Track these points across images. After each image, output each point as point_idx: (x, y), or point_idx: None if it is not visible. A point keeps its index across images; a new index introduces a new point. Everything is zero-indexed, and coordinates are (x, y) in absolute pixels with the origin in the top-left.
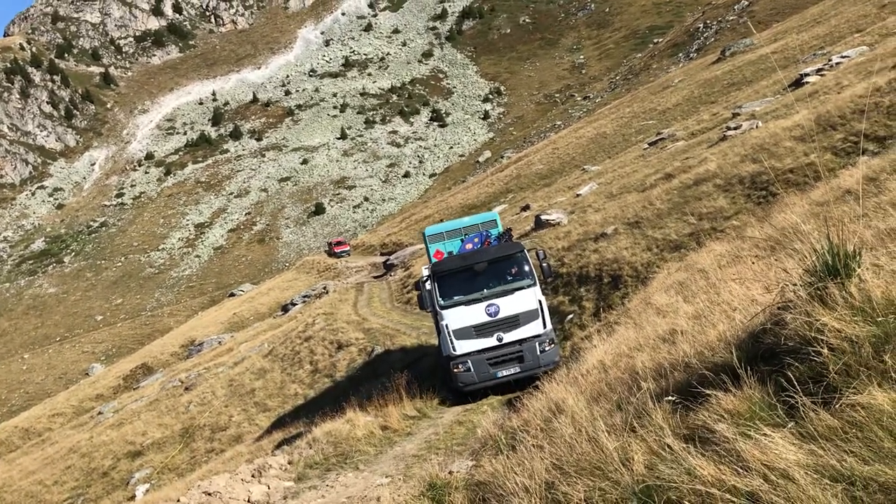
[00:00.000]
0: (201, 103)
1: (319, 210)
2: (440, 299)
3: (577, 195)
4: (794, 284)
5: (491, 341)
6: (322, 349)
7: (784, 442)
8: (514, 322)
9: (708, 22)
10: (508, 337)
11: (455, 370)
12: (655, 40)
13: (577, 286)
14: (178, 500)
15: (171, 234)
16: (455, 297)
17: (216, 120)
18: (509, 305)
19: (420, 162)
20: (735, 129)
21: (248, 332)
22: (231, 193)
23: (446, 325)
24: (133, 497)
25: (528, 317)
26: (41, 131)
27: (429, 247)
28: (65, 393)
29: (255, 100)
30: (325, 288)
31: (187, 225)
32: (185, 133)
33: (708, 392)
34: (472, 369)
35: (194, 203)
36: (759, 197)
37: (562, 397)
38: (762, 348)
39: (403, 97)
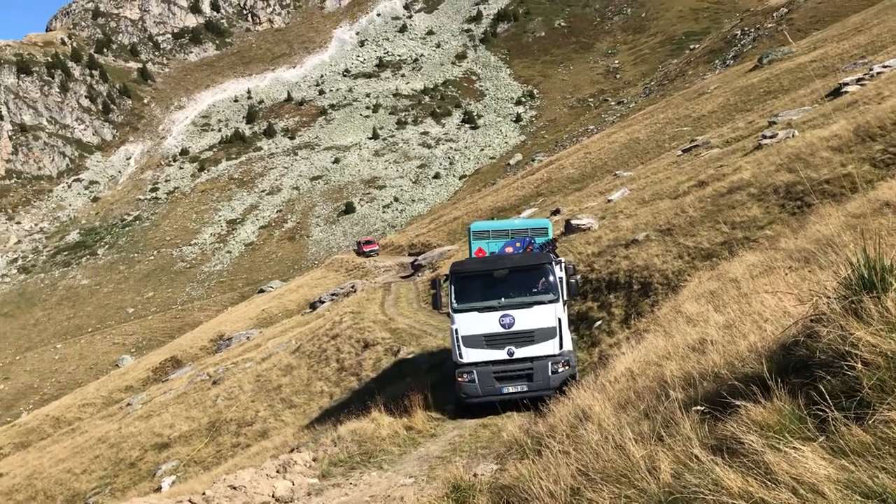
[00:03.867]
0: (236, 101)
1: (349, 209)
2: (454, 302)
3: (609, 200)
4: (829, 297)
5: (501, 354)
6: (349, 348)
7: (814, 456)
8: (528, 337)
9: (746, 29)
10: (520, 352)
11: (459, 379)
12: (692, 46)
13: (606, 292)
14: (204, 494)
15: (204, 229)
16: (470, 302)
17: (250, 118)
18: (526, 319)
19: (450, 163)
20: (771, 137)
21: (277, 329)
22: (263, 191)
23: (456, 331)
24: (159, 489)
25: (544, 334)
26: (79, 125)
27: (472, 243)
28: (95, 383)
29: (289, 98)
30: (353, 287)
31: (219, 221)
32: (219, 130)
33: (737, 403)
34: (477, 381)
35: (227, 199)
36: (794, 207)
37: (588, 404)
38: (794, 360)
39: (436, 98)
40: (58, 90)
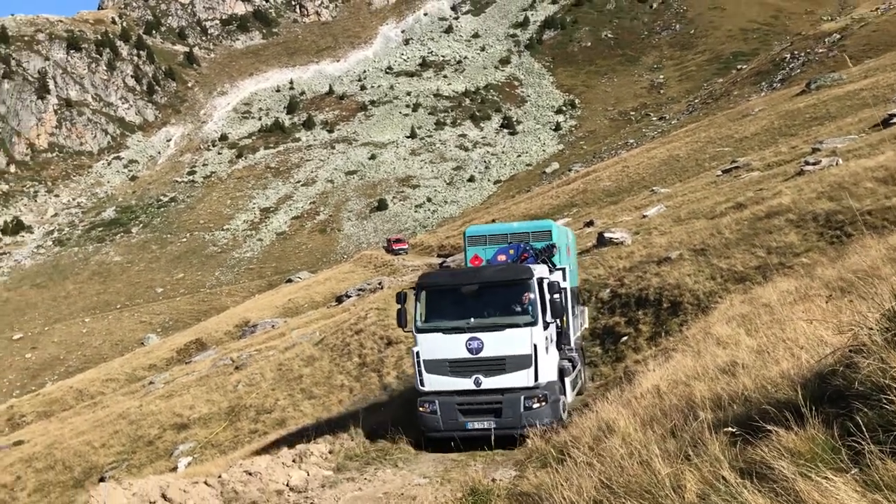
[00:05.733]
0: (278, 90)
1: (382, 206)
2: (417, 320)
3: (644, 216)
4: (870, 328)
5: (467, 383)
6: (372, 343)
7: (846, 487)
8: (497, 365)
9: (796, 53)
10: (488, 382)
11: (420, 409)
12: (739, 66)
13: (634, 308)
14: (220, 477)
15: (237, 215)
16: (436, 321)
17: (291, 108)
18: (496, 344)
19: (486, 167)
20: (814, 164)
21: (301, 319)
22: (298, 181)
23: (417, 353)
24: (175, 468)
25: (517, 363)
26: (123, 104)
27: (467, 250)
28: (120, 359)
29: (330, 92)
30: (380, 283)
31: (253, 208)
32: (259, 118)
33: (769, 428)
34: (439, 413)
35: (262, 187)
36: (833, 236)
37: (613, 418)
38: (829, 390)
39: (476, 102)
40: (105, 68)
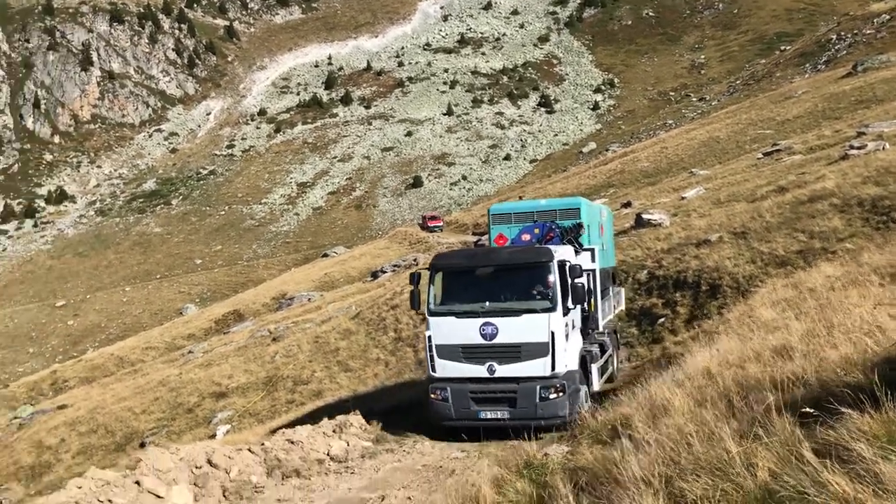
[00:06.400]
0: (317, 66)
1: (417, 183)
2: (431, 302)
3: (682, 198)
4: None
5: (480, 370)
6: (407, 318)
7: None
8: (513, 353)
9: (842, 34)
10: (503, 370)
11: (431, 396)
12: (783, 47)
13: (672, 290)
14: (263, 444)
15: (275, 189)
16: (450, 304)
17: (329, 84)
18: (511, 330)
19: (522, 146)
20: (859, 148)
21: (337, 293)
22: (335, 157)
23: (430, 338)
24: (213, 436)
25: (533, 350)
26: (164, 76)
27: (491, 228)
28: (159, 328)
29: (368, 68)
30: (415, 260)
31: (290, 183)
32: (298, 93)
33: (843, 410)
34: (451, 400)
35: (299, 162)
36: (879, 222)
37: (667, 397)
38: None
39: (514, 79)
40: (147, 41)
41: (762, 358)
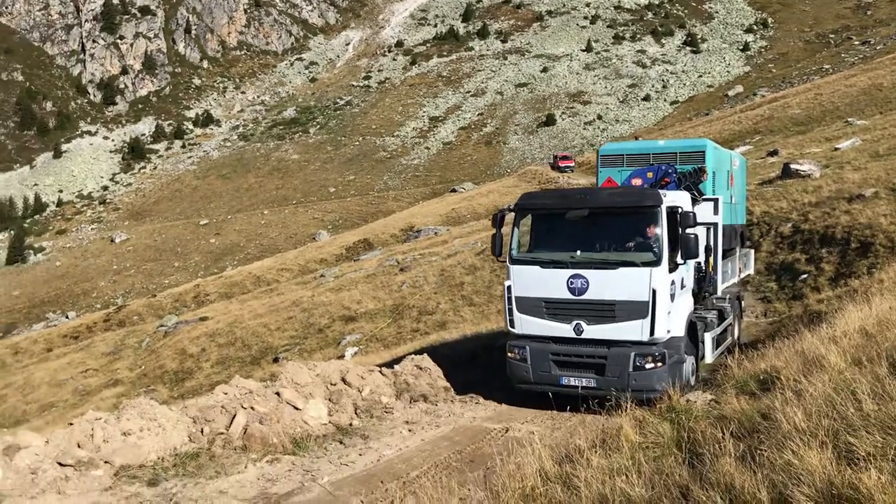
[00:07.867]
0: None
1: (550, 121)
2: (514, 248)
3: (835, 149)
4: None
5: (566, 329)
6: None
7: None
8: (606, 311)
9: None
10: (591, 331)
11: (509, 354)
12: None
13: (818, 245)
14: (393, 368)
15: (407, 122)
16: (534, 252)
17: (467, 16)
18: (604, 285)
19: (663, 87)
20: None
21: (464, 229)
22: (468, 92)
23: (509, 288)
24: (342, 356)
25: (630, 310)
26: (307, 5)
27: (599, 171)
28: (294, 252)
29: (507, 0)
30: None
31: (423, 116)
32: (435, 25)
33: None
34: (530, 362)
35: (432, 96)
36: None
37: (821, 353)
38: None
39: (659, 16)
40: None
41: None
